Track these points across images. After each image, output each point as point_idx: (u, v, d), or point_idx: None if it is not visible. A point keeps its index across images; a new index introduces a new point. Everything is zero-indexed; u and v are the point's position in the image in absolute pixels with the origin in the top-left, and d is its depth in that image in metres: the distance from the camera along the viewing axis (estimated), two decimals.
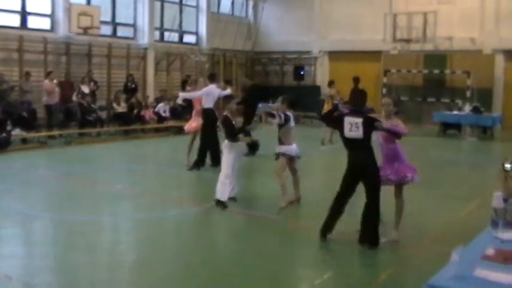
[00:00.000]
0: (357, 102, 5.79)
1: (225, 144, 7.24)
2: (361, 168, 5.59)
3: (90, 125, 14.96)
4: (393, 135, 5.66)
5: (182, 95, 10.36)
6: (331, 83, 14.82)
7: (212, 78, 10.42)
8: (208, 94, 10.04)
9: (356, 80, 14.03)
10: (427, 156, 12.64)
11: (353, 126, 5.53)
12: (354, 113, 5.64)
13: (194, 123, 10.28)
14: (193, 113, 10.41)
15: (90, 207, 7.47)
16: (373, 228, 5.61)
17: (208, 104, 10.08)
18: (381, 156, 5.84)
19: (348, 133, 5.59)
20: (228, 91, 10.64)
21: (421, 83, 19.46)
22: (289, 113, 7.09)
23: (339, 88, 14.64)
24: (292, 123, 7.10)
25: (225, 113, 7.33)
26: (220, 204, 7.09)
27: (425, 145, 15.16)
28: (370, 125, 5.53)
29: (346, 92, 14.30)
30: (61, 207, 7.48)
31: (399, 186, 5.85)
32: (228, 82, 10.69)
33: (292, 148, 7.10)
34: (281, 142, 7.12)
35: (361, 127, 5.48)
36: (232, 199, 7.33)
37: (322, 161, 12.43)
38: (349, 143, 5.64)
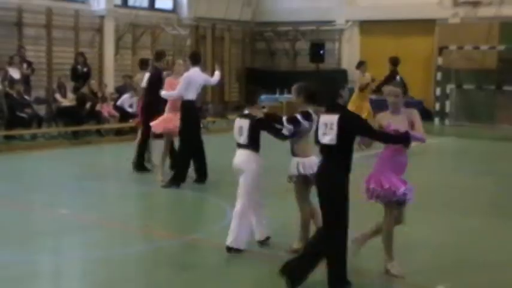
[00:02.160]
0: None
1: (250, 158, 6.91)
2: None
3: (23, 124, 14.93)
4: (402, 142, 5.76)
5: (164, 94, 10.29)
6: (360, 65, 14.69)
7: (195, 59, 10.60)
8: (189, 82, 10.13)
9: (394, 61, 14.11)
10: (503, 170, 12.47)
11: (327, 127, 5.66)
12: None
13: (170, 122, 10.45)
14: (168, 106, 10.54)
15: (23, 242, 7.38)
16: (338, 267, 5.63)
17: (189, 94, 10.20)
18: (376, 164, 6.01)
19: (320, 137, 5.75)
20: (217, 76, 10.86)
21: (495, 64, 19.41)
22: (311, 111, 6.83)
23: (372, 74, 14.41)
24: (314, 125, 6.83)
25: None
26: (235, 252, 6.91)
27: (499, 153, 15.04)
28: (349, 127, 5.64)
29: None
30: None
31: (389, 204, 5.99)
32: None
33: (312, 161, 6.77)
34: (295, 154, 6.85)
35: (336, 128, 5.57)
36: (263, 242, 7.11)
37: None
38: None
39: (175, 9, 21.47)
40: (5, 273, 6.20)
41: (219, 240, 7.03)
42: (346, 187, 5.60)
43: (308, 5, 22.15)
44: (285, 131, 6.57)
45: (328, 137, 5.57)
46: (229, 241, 6.82)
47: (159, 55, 11.59)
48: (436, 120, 19.98)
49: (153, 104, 10.97)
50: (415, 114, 5.91)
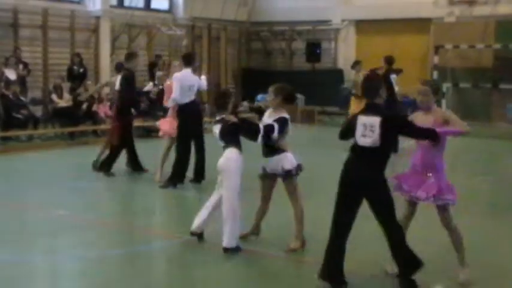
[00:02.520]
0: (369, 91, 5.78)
1: (236, 157, 6.95)
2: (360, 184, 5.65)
3: (19, 125, 14.92)
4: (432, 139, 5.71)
5: (170, 101, 10.28)
6: (356, 64, 14.72)
7: (187, 60, 10.47)
8: (181, 85, 10.08)
9: (389, 60, 14.11)
10: (499, 168, 12.55)
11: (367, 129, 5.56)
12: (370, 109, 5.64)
13: (166, 124, 10.58)
14: (170, 110, 10.63)
15: (18, 243, 7.39)
16: (405, 256, 5.67)
17: (183, 98, 10.15)
18: (415, 163, 5.98)
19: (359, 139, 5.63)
20: (203, 80, 10.86)
21: (491, 63, 19.40)
22: (286, 115, 6.95)
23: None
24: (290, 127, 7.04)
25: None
26: (233, 251, 6.93)
27: (496, 152, 15.14)
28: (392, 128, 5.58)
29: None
30: None
31: (441, 209, 5.93)
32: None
33: (290, 156, 6.98)
34: (276, 152, 6.95)
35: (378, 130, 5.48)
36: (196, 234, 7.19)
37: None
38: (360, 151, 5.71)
39: (171, 9, 21.44)
40: (2, 273, 6.21)
41: (216, 240, 7.02)
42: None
43: (304, 5, 22.12)
44: (259, 139, 6.68)
45: (369, 139, 5.47)
46: (225, 242, 6.84)
47: (130, 56, 11.45)
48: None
49: (126, 106, 11.08)
50: (451, 113, 5.93)
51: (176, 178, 10.17)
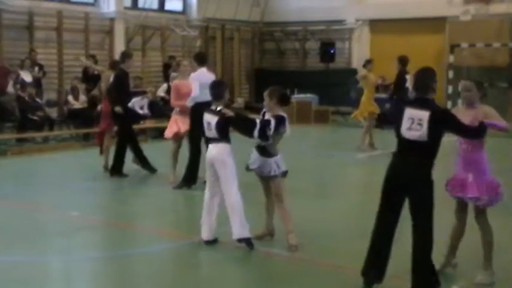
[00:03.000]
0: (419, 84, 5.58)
1: (229, 151, 7.02)
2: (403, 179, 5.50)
3: (34, 127, 14.99)
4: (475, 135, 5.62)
5: (190, 100, 10.07)
6: (368, 63, 14.64)
7: (201, 59, 10.46)
8: (199, 84, 9.98)
9: (403, 60, 13.98)
10: None
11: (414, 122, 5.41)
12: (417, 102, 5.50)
13: (174, 125, 10.46)
14: (177, 109, 10.54)
15: (32, 243, 7.39)
16: (426, 271, 5.45)
17: (201, 96, 9.94)
18: (458, 162, 5.92)
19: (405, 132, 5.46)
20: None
21: (507, 61, 19.30)
22: (284, 114, 7.00)
23: (382, 72, 14.41)
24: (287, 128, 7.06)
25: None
26: (247, 242, 6.96)
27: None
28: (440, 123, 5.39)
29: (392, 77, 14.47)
30: None
31: (478, 208, 5.89)
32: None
33: (280, 158, 7.03)
34: (272, 154, 6.96)
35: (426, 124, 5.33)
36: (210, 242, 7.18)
37: (360, 174, 12.64)
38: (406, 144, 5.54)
39: (184, 11, 21.51)
40: (16, 273, 6.25)
41: (227, 239, 7.03)
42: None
43: (317, 5, 22.08)
44: (255, 133, 6.66)
45: (417, 133, 5.31)
46: (237, 233, 6.84)
47: (124, 56, 11.27)
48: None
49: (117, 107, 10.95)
50: (491, 109, 5.79)
51: (190, 179, 10.14)
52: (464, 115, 5.68)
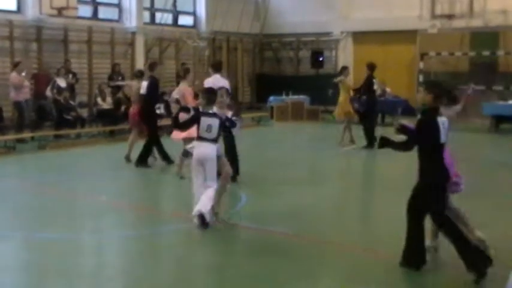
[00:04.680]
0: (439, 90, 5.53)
1: (215, 149, 7.02)
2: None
3: (68, 125, 15.01)
4: None
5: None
6: (344, 69, 14.49)
7: (217, 67, 10.32)
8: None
9: (371, 66, 13.72)
10: (475, 158, 12.50)
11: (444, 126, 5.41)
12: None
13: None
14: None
15: (68, 223, 7.47)
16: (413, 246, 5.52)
17: None
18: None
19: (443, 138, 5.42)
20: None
21: (467, 68, 19.28)
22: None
23: (363, 77, 14.35)
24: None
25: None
26: (202, 218, 6.94)
27: (473, 143, 15.04)
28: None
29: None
30: (34, 224, 7.45)
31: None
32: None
33: None
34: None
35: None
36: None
37: (344, 164, 12.65)
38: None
39: (195, 25, 21.51)
40: (53, 250, 6.31)
41: (233, 221, 7.12)
42: None
43: (309, 19, 22.02)
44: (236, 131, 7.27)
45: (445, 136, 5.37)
46: (197, 211, 6.84)
47: (153, 65, 11.42)
48: (419, 115, 19.88)
49: (152, 109, 11.11)
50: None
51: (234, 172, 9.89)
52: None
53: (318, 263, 5.85)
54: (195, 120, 6.91)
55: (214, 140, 6.91)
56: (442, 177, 5.46)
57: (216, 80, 9.95)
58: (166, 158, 11.18)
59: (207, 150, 6.87)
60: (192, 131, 9.87)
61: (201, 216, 6.81)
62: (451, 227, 5.38)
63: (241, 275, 5.65)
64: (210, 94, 7.11)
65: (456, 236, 5.32)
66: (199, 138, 6.91)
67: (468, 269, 5.21)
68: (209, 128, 6.83)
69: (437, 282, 5.45)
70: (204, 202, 6.79)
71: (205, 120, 6.84)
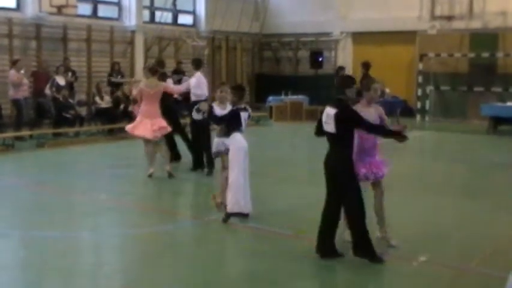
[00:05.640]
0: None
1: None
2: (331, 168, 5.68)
3: (67, 123, 14.96)
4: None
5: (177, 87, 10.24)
6: (341, 70, 14.47)
7: (197, 64, 10.60)
8: (198, 85, 10.24)
9: (366, 65, 13.72)
10: (473, 158, 12.53)
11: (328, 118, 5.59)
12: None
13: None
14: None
15: (67, 221, 7.49)
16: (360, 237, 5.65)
17: (198, 96, 10.22)
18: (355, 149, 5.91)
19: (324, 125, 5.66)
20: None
21: (466, 69, 19.27)
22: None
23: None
24: None
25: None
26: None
27: (471, 144, 15.06)
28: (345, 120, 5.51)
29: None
30: (32, 222, 7.44)
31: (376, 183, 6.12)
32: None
33: None
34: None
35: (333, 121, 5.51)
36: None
37: None
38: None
39: (194, 24, 21.48)
40: (52, 248, 6.32)
41: (233, 220, 7.09)
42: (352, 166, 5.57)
43: (308, 19, 22.03)
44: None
45: (329, 126, 5.53)
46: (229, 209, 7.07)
47: (161, 64, 11.53)
48: (418, 116, 19.90)
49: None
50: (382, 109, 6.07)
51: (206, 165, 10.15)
52: (369, 112, 5.88)
53: (317, 263, 5.82)
54: (235, 115, 7.16)
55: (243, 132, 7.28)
56: None
57: (200, 79, 10.30)
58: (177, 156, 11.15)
59: (245, 143, 7.18)
60: (148, 132, 9.75)
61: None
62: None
63: (241, 275, 5.65)
64: (241, 91, 7.46)
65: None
66: (239, 131, 7.15)
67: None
68: (244, 121, 7.22)
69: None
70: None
71: (243, 115, 7.18)
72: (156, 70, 10.22)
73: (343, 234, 6.05)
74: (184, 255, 6.26)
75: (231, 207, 7.03)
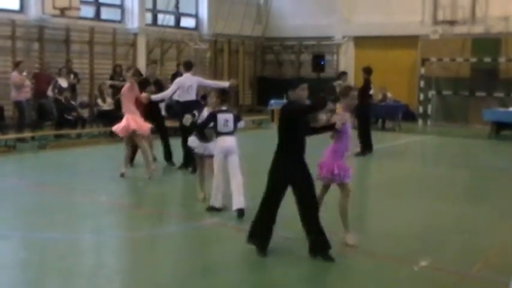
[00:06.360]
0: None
1: (236, 142, 7.70)
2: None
3: (69, 125, 15.02)
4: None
5: (154, 97, 10.33)
6: (342, 74, 14.38)
7: (187, 65, 10.80)
8: (180, 87, 10.42)
9: (368, 70, 13.54)
10: (475, 163, 12.51)
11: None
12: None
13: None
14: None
15: (68, 223, 7.47)
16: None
17: (183, 97, 10.50)
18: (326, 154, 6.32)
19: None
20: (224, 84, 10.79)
21: (468, 73, 19.28)
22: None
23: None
24: None
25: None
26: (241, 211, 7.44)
27: (473, 149, 15.05)
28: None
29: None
30: (33, 223, 7.45)
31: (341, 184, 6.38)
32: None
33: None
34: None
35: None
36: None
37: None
38: None
39: (197, 27, 21.51)
40: (52, 250, 6.33)
41: (233, 223, 7.11)
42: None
43: (310, 23, 22.06)
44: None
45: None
46: (242, 204, 7.32)
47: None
48: (420, 121, 19.91)
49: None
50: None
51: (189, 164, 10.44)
52: (346, 116, 6.22)
53: (318, 267, 5.81)
54: (211, 119, 7.48)
55: (232, 133, 7.50)
56: None
57: (187, 79, 10.54)
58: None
59: (230, 143, 7.46)
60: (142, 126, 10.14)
61: (241, 210, 7.30)
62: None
63: (240, 278, 5.64)
64: (223, 94, 7.77)
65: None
66: (219, 133, 7.47)
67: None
68: (225, 122, 7.43)
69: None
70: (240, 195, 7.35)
71: (221, 117, 7.43)
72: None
73: (344, 238, 6.05)
74: (185, 259, 6.24)
75: (211, 202, 7.65)
